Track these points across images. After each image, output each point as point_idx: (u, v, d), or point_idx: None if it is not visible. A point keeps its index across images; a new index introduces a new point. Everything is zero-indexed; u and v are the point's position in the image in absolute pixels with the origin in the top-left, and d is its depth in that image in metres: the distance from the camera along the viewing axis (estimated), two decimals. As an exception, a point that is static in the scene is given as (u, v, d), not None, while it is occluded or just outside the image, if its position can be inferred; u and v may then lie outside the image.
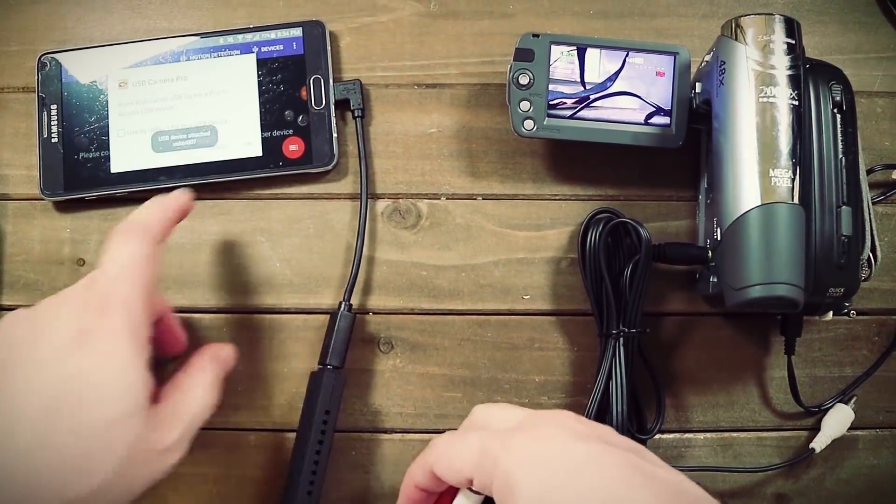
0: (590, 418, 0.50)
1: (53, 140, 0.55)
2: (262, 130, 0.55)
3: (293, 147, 0.55)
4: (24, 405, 0.37)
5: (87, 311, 0.40)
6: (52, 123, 0.55)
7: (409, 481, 0.40)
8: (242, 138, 0.55)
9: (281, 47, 0.56)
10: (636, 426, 0.52)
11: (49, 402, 0.37)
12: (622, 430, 0.49)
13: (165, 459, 0.42)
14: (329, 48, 0.56)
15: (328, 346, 0.52)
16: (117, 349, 0.39)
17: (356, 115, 0.55)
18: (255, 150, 0.55)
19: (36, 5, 0.58)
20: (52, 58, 0.56)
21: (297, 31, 0.56)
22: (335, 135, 0.55)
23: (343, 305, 0.53)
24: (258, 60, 0.56)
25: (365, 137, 0.56)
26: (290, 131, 0.55)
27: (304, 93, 0.55)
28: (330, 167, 0.55)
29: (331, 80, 0.56)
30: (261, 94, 0.55)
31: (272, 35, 0.56)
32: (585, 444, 0.35)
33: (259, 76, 0.56)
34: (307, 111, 0.55)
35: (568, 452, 0.34)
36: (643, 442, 0.52)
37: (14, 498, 0.36)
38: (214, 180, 0.55)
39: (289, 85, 0.56)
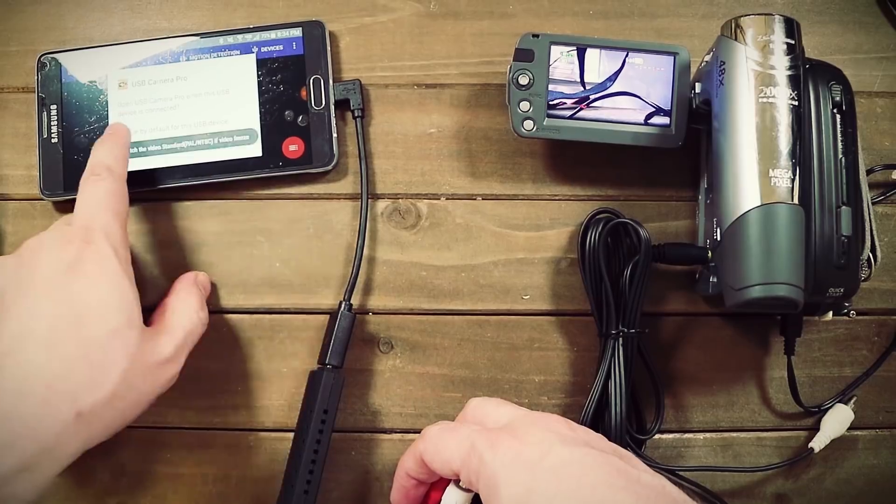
0: (588, 418, 0.50)
1: (53, 140, 0.55)
2: (262, 131, 0.55)
3: (293, 147, 0.55)
4: (30, 328, 0.41)
5: (72, 242, 0.43)
6: (52, 123, 0.55)
7: (401, 469, 0.42)
8: (242, 139, 0.55)
9: (281, 47, 0.56)
10: (635, 426, 0.52)
11: (52, 322, 0.41)
12: (621, 430, 0.49)
13: (165, 372, 0.45)
14: (329, 48, 0.56)
15: (328, 345, 0.52)
16: (106, 270, 0.43)
17: (356, 115, 0.55)
18: (255, 150, 0.55)
19: (36, 5, 0.58)
20: (52, 58, 0.56)
21: (297, 32, 0.56)
22: (335, 135, 0.55)
23: (343, 305, 0.53)
24: (258, 60, 0.56)
25: (365, 138, 0.56)
26: (290, 131, 0.55)
27: (303, 93, 0.55)
28: (330, 167, 0.55)
29: (331, 81, 0.55)
30: (261, 94, 0.55)
31: (272, 35, 0.56)
32: (570, 448, 0.35)
33: (259, 76, 0.55)
34: (307, 111, 0.55)
35: (552, 456, 0.35)
36: (642, 442, 0.52)
37: (32, 412, 0.38)
38: (214, 180, 0.55)
39: (289, 85, 0.55)
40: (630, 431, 0.51)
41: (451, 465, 0.38)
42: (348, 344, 0.52)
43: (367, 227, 0.55)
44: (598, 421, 0.50)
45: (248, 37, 0.56)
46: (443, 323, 0.55)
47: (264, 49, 0.56)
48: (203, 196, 0.56)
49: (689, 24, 0.57)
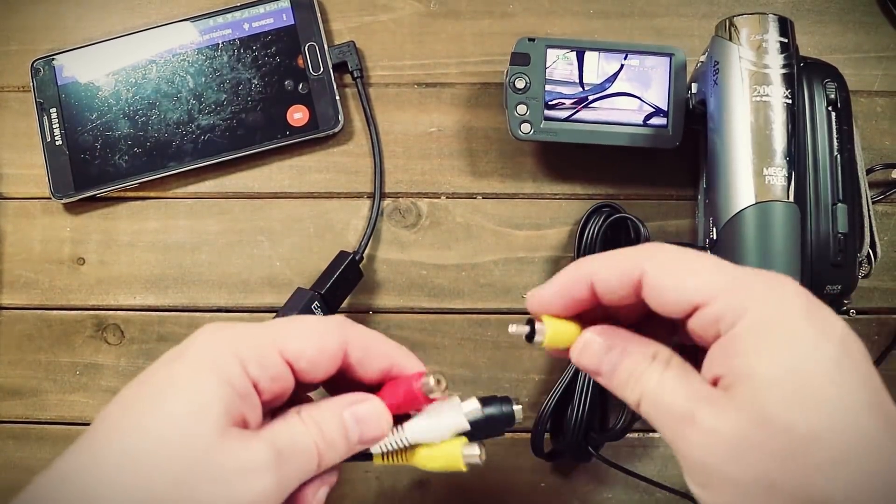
0: (549, 412, 0.53)
1: (58, 143, 0.58)
2: (265, 104, 0.58)
3: (298, 115, 0.58)
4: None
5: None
6: (54, 127, 0.58)
7: (585, 275, 0.33)
8: (246, 114, 0.58)
9: (272, 20, 0.59)
10: (598, 424, 0.54)
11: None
12: (582, 426, 0.52)
13: (243, 482, 0.31)
14: (319, 15, 0.59)
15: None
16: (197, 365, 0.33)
17: (355, 76, 0.58)
18: (260, 124, 0.58)
19: (35, 5, 0.61)
20: (45, 62, 0.58)
21: (285, 2, 0.59)
22: (338, 97, 0.58)
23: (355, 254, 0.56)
24: (251, 36, 0.59)
25: (367, 96, 0.59)
26: (293, 100, 0.58)
27: (300, 61, 0.58)
28: (337, 129, 0.58)
29: (325, 46, 0.58)
30: (259, 68, 0.58)
31: (261, 10, 0.59)
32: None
33: (254, 51, 0.58)
34: (307, 78, 0.58)
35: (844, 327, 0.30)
36: (600, 444, 0.54)
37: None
38: (223, 159, 0.58)
39: (285, 56, 0.58)
40: (593, 426, 0.53)
41: (697, 292, 0.31)
42: (336, 279, 0.54)
43: (381, 187, 0.58)
44: (560, 414, 0.53)
45: (238, 15, 0.59)
46: (443, 322, 0.58)
47: (255, 24, 0.59)
48: (203, 195, 0.59)
49: (689, 24, 0.60)
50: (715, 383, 0.30)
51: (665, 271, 0.32)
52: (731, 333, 0.30)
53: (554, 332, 0.34)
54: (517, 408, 0.36)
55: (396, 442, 0.35)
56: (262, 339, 0.33)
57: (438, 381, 0.34)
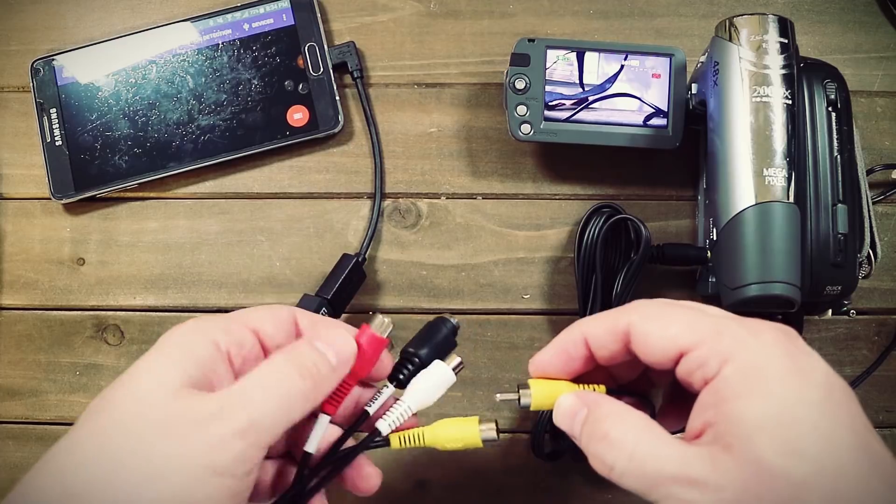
0: (549, 413, 0.53)
1: (58, 143, 0.58)
2: (265, 104, 0.58)
3: (298, 115, 0.58)
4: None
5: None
6: (54, 127, 0.58)
7: (577, 334, 0.37)
8: (246, 115, 0.58)
9: (271, 21, 0.59)
10: None
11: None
12: None
13: (198, 431, 0.32)
14: (319, 15, 0.59)
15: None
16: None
17: (355, 76, 0.59)
18: (260, 124, 0.58)
19: (35, 5, 0.61)
20: (45, 62, 0.59)
21: (285, 3, 0.59)
22: (338, 98, 0.58)
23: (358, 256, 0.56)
24: (251, 37, 0.59)
25: (367, 96, 0.59)
26: (293, 100, 0.58)
27: (300, 62, 0.59)
28: (337, 130, 0.58)
29: (325, 46, 0.59)
30: (258, 69, 0.59)
31: (261, 10, 0.59)
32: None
33: (254, 52, 0.59)
34: (306, 79, 0.59)
35: (822, 368, 0.32)
36: None
37: None
38: (223, 159, 0.58)
39: (284, 56, 0.59)
40: None
41: (677, 341, 0.33)
42: (342, 283, 0.55)
43: (382, 188, 0.58)
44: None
45: (238, 15, 0.59)
46: (443, 322, 0.58)
47: (255, 24, 0.59)
48: (203, 195, 0.59)
49: (689, 24, 0.60)
50: (703, 430, 0.32)
51: (650, 321, 0.34)
52: (718, 378, 0.32)
53: (539, 394, 0.37)
54: (454, 320, 0.42)
55: (402, 415, 0.39)
56: (226, 318, 0.37)
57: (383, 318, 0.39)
